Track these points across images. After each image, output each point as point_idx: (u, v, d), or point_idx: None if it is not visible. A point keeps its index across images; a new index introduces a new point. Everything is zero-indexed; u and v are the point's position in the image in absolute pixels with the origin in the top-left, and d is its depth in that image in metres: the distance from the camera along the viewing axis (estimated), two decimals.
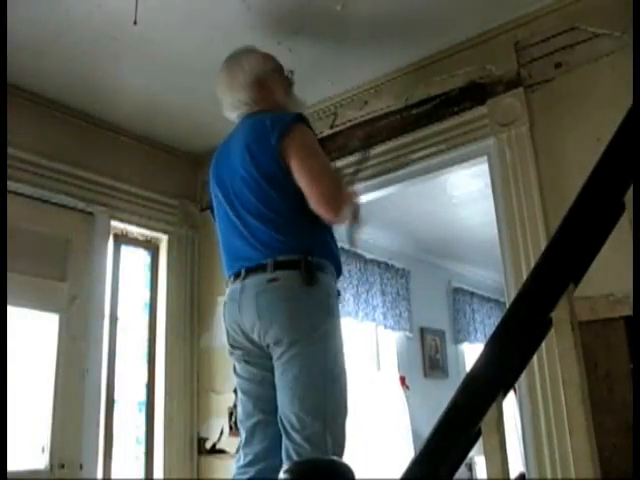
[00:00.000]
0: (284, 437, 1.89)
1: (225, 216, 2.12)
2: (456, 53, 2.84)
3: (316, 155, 2.02)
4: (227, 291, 2.07)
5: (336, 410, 1.90)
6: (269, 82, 2.20)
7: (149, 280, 3.53)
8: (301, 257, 1.92)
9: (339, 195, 1.99)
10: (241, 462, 2.02)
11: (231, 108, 2.21)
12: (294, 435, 1.86)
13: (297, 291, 1.91)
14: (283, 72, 2.30)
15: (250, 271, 1.97)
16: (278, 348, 1.90)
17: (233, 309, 2.00)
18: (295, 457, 1.83)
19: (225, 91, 2.21)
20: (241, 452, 2.04)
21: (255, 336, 1.96)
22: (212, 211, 2.26)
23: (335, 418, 1.89)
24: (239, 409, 2.09)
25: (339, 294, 2.07)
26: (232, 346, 2.06)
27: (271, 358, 1.96)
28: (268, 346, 1.94)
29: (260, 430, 2.00)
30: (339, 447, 1.89)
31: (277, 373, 1.93)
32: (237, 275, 2.01)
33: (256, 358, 2.02)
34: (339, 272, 2.08)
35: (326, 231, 2.07)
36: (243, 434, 2.04)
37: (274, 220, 1.98)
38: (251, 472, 1.98)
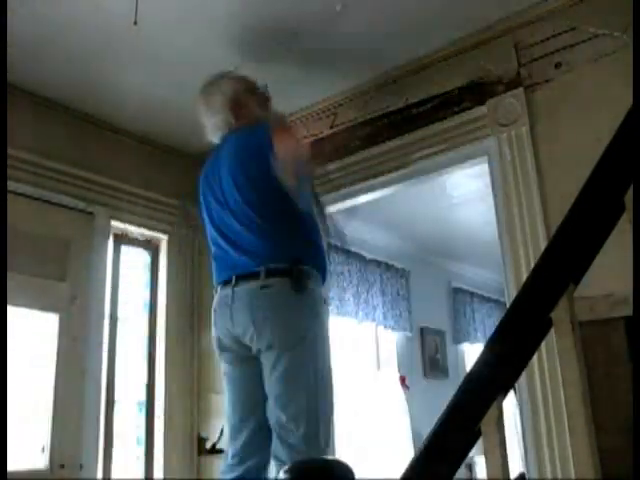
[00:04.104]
0: (276, 438, 1.97)
1: (215, 225, 2.20)
2: (456, 53, 2.84)
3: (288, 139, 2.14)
4: (216, 297, 2.14)
5: (325, 410, 1.99)
6: (244, 100, 2.34)
7: (149, 280, 3.53)
8: (291, 265, 2.00)
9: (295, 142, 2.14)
10: (229, 461, 2.09)
11: (215, 130, 2.33)
12: (287, 435, 1.93)
13: (288, 298, 1.98)
14: (256, 89, 2.42)
15: (241, 278, 2.03)
16: (270, 353, 1.97)
17: (225, 315, 2.06)
18: (287, 457, 1.88)
19: (206, 116, 2.35)
20: (229, 450, 2.10)
21: (247, 340, 2.02)
22: (202, 221, 2.35)
23: (325, 418, 1.98)
24: (227, 408, 2.15)
25: (325, 302, 2.15)
26: (221, 349, 2.14)
27: (259, 360, 2.03)
28: (259, 351, 2.00)
29: (247, 429, 2.06)
30: (327, 446, 1.98)
31: (269, 376, 1.99)
32: (227, 282, 2.08)
33: (245, 360, 2.08)
34: (324, 278, 2.16)
35: (315, 238, 2.14)
36: (228, 431, 2.12)
37: (264, 228, 2.06)
38: (239, 470, 2.04)
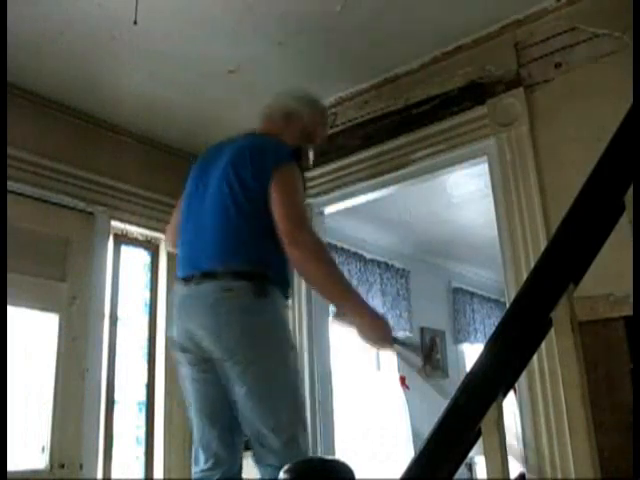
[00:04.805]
0: (258, 446, 1.91)
1: (192, 213, 2.12)
2: (456, 53, 2.84)
3: (296, 192, 2.05)
4: (178, 292, 2.04)
5: (300, 414, 1.97)
6: (297, 120, 2.32)
7: (149, 280, 3.53)
8: (254, 269, 1.94)
9: (303, 218, 2.02)
10: (202, 466, 2.01)
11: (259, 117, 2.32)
12: (270, 443, 1.88)
13: (250, 304, 1.91)
14: (322, 128, 2.45)
15: (203, 277, 1.95)
16: (233, 363, 1.89)
17: (185, 316, 1.98)
18: (275, 461, 1.85)
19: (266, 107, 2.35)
20: (200, 454, 2.03)
21: (205, 344, 1.94)
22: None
23: (301, 421, 1.96)
24: (194, 411, 2.05)
25: (287, 306, 2.09)
26: (182, 350, 2.04)
27: (215, 365, 1.96)
28: (221, 359, 1.92)
29: (217, 430, 2.00)
30: (308, 449, 1.96)
31: (237, 388, 1.91)
32: (188, 279, 2.00)
33: (207, 361, 1.99)
34: (286, 294, 2.07)
35: (282, 255, 2.01)
36: (197, 433, 2.04)
37: (239, 231, 1.98)
38: (217, 475, 1.98)
